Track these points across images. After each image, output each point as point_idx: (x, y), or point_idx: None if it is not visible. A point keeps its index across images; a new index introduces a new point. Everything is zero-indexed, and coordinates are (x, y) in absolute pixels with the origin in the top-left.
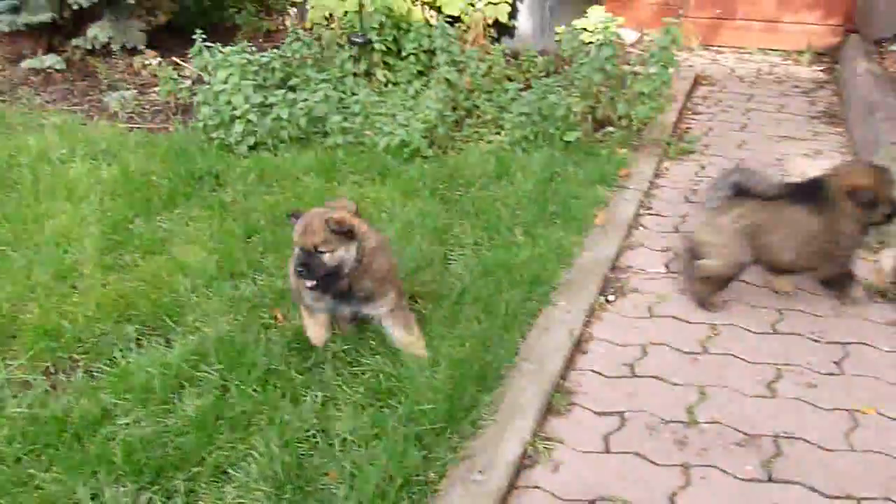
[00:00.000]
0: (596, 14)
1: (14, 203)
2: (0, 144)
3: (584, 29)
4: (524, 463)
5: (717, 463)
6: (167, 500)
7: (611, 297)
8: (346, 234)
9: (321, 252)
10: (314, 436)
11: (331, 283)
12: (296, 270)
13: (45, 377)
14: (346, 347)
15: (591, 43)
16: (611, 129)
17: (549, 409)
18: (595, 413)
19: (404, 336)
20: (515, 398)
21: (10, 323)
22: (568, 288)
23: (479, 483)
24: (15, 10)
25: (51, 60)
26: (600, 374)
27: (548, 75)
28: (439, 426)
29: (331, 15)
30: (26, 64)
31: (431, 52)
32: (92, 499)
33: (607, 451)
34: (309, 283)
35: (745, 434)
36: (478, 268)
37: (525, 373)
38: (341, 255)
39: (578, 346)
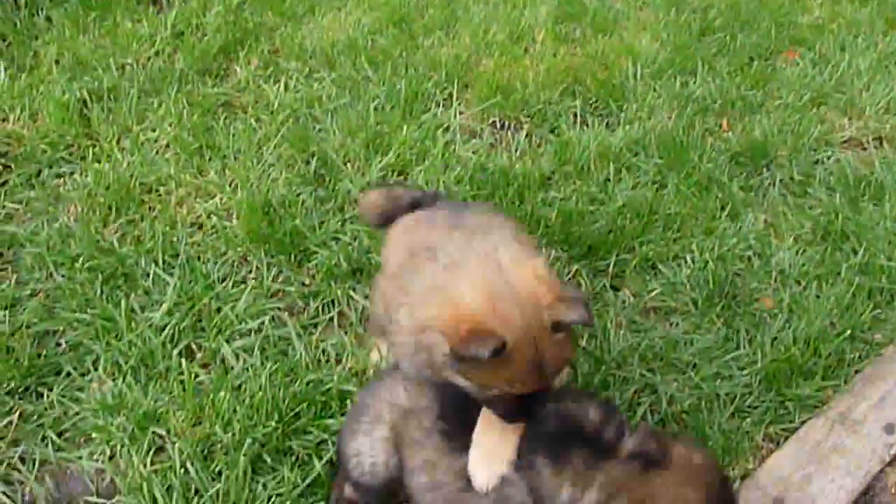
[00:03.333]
0: None
1: None
2: None
3: None
4: None
5: None
6: (593, 276)
7: None
8: None
9: None
10: (750, 258)
11: None
12: None
13: (492, 130)
14: (796, 176)
15: None
16: None
17: None
18: None
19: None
20: None
21: (467, 73)
22: None
23: None
24: None
25: None
26: None
27: None
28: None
29: None
30: None
31: None
32: None
33: None
34: None
35: None
36: None
37: None
38: None
39: None
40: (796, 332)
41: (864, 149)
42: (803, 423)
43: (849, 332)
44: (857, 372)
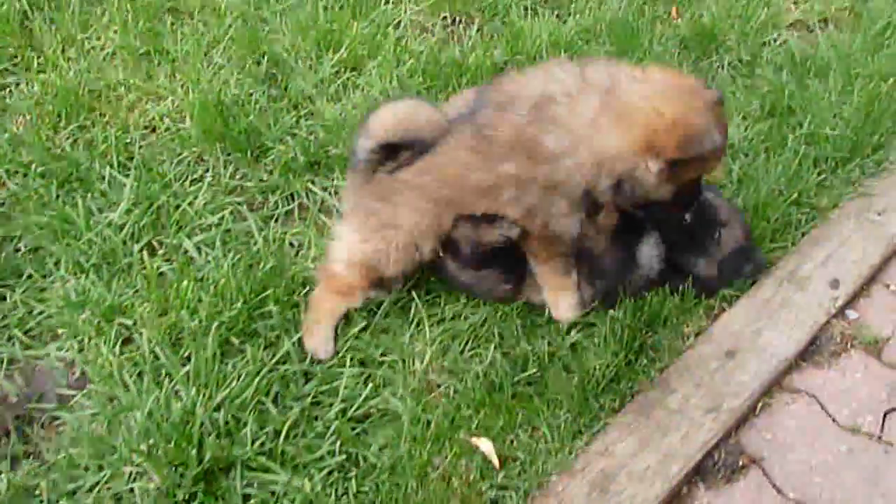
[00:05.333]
0: None
1: None
2: None
3: None
4: None
5: None
6: None
7: None
8: None
9: None
10: None
11: None
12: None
13: (443, 25)
14: (744, 58)
15: None
16: None
17: None
18: None
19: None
20: None
21: None
22: None
23: (876, 223)
24: None
25: None
26: None
27: None
28: (840, 156)
29: None
30: None
31: None
32: None
33: None
34: None
35: None
36: None
37: None
38: None
39: None
40: (745, 199)
41: (811, 31)
42: (754, 282)
43: (795, 196)
44: (803, 235)
